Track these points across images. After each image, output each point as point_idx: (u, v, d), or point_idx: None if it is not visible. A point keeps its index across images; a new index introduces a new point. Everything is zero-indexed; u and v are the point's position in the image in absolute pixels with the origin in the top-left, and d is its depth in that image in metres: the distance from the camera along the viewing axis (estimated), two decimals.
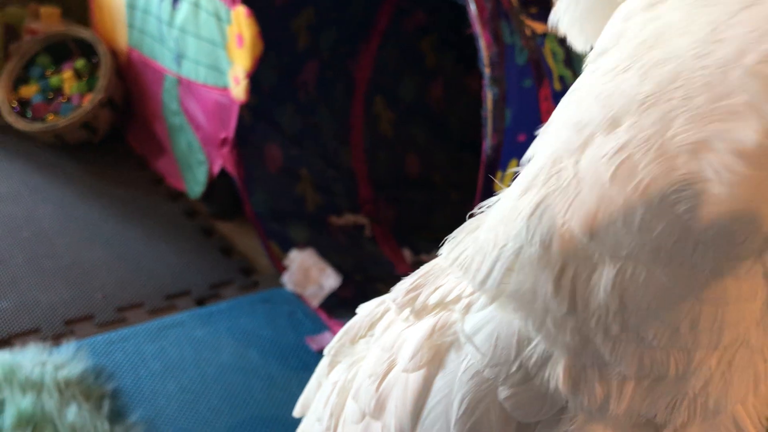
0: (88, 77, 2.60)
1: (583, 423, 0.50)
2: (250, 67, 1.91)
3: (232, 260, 2.12)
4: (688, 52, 0.45)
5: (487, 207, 0.55)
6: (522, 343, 0.50)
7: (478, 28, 1.40)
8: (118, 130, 2.66)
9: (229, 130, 2.05)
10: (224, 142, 2.08)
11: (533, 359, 0.50)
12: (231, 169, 2.08)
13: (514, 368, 0.50)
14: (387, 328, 0.59)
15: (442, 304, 0.55)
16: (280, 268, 2.04)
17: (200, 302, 1.94)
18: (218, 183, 2.21)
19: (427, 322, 0.55)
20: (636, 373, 0.49)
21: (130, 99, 2.61)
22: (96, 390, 1.56)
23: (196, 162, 2.26)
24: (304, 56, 2.24)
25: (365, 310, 0.65)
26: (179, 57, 2.20)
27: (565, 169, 0.49)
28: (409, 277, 0.59)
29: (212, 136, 2.14)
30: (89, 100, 2.51)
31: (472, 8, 1.40)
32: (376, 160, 2.42)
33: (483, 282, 0.51)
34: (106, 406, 1.53)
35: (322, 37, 2.26)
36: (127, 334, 1.77)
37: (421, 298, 0.56)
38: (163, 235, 2.18)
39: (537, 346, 0.49)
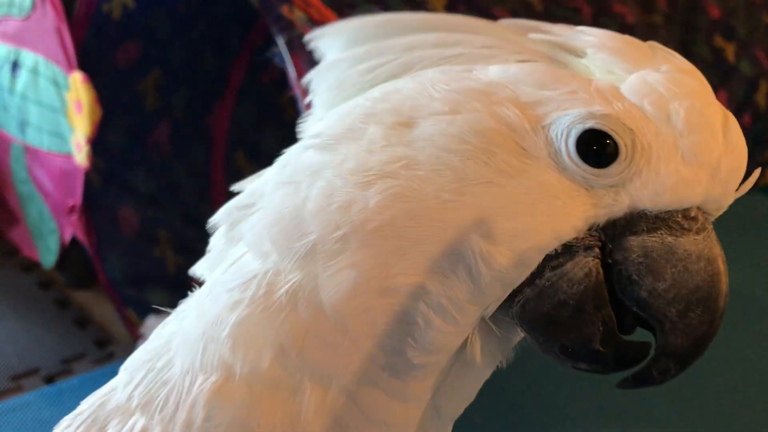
0: None
1: None
2: (91, 132, 1.87)
3: (87, 332, 2.04)
4: None
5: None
6: None
7: (297, 91, 1.41)
8: None
9: (76, 197, 1.98)
10: (72, 209, 2.01)
11: None
12: (81, 237, 2.02)
13: None
14: None
15: None
16: (138, 337, 1.97)
17: (50, 380, 1.85)
18: (72, 251, 2.14)
19: None
20: None
21: None
22: None
23: (48, 231, 2.17)
24: (155, 117, 2.20)
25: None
26: (23, 124, 2.13)
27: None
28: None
29: (61, 204, 2.07)
30: None
31: (291, 72, 1.42)
32: None
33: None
34: None
35: (174, 96, 2.24)
36: None
37: None
38: (12, 311, 2.08)
39: None
